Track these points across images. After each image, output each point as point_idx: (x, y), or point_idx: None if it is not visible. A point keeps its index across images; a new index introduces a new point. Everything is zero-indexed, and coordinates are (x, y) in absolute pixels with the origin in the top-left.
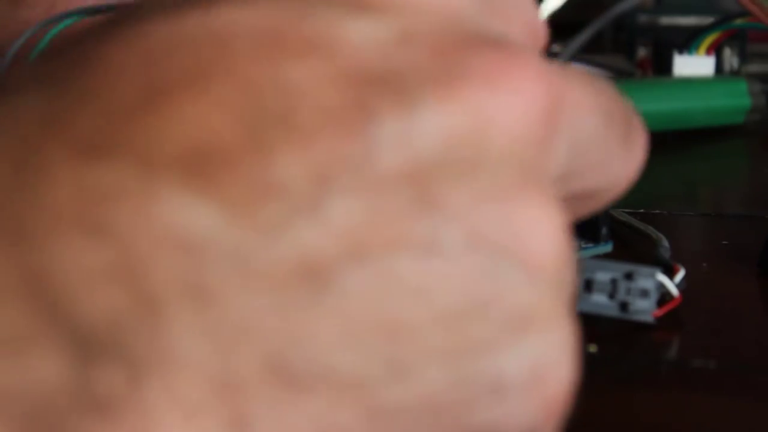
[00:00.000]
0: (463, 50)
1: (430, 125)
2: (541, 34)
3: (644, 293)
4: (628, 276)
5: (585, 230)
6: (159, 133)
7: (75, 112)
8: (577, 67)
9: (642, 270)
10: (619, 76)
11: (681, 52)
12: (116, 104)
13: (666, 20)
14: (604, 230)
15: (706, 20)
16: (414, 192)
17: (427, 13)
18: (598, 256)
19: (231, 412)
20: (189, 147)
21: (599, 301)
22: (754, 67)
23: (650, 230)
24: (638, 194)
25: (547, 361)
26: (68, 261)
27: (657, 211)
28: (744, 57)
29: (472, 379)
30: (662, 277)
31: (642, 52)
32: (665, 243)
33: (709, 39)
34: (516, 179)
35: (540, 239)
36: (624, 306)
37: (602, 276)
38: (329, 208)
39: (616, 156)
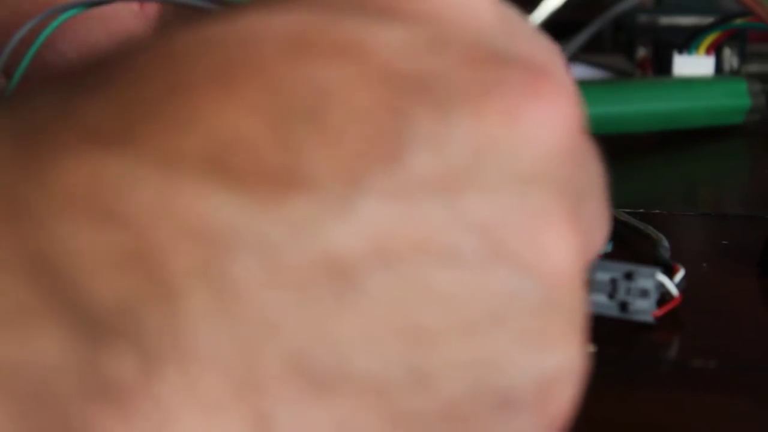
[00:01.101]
0: (496, 63)
1: (464, 133)
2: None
3: (644, 293)
4: (628, 276)
5: None
6: (180, 127)
7: (91, 103)
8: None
9: (642, 270)
10: (619, 76)
11: (681, 52)
12: (135, 98)
13: (666, 20)
14: None
15: (706, 20)
16: (443, 199)
17: (458, 25)
18: (597, 256)
19: (253, 410)
20: (211, 139)
21: (599, 301)
22: (754, 67)
23: (650, 230)
24: (638, 194)
25: (555, 380)
26: (76, 243)
27: (657, 211)
28: (744, 57)
29: (484, 392)
30: (662, 277)
31: (642, 52)
32: (665, 243)
33: (709, 39)
34: (544, 196)
35: (561, 260)
36: (624, 306)
37: (602, 276)
38: (359, 207)
39: (600, 219)
